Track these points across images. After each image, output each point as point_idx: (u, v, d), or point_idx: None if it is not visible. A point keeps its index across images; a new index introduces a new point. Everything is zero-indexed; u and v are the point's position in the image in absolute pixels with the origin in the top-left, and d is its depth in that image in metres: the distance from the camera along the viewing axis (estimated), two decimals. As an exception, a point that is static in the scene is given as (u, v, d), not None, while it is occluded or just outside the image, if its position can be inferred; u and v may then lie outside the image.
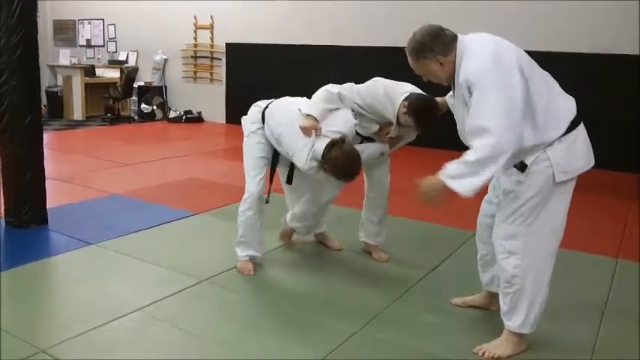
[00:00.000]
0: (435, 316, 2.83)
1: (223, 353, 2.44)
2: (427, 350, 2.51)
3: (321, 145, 2.86)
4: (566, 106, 2.30)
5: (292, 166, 3.25)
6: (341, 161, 2.82)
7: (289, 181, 3.34)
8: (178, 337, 2.56)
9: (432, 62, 2.30)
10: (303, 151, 2.89)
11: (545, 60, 2.49)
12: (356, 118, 3.10)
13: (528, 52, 2.32)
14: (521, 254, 2.32)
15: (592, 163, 2.32)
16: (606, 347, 2.59)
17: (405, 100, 3.01)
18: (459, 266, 3.43)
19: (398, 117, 3.03)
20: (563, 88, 2.36)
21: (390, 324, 2.74)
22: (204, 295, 3.00)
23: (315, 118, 2.92)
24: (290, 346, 2.51)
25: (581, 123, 2.32)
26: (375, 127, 3.18)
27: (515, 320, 2.41)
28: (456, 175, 2.15)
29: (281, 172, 3.44)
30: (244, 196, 3.24)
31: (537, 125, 2.21)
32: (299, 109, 3.00)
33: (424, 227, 4.20)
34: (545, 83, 2.30)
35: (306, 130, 2.88)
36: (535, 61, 2.33)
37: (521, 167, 2.26)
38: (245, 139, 3.29)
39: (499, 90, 2.12)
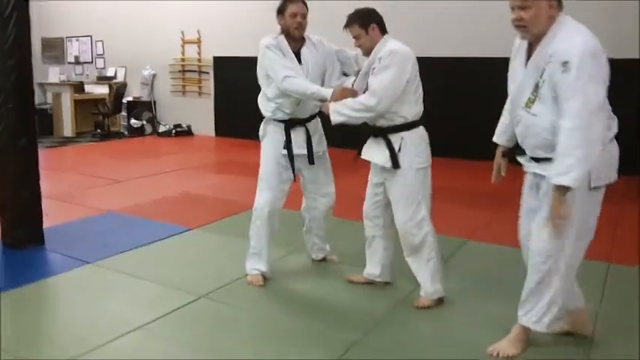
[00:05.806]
0: (431, 325, 2.90)
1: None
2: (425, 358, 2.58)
3: None
4: None
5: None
6: None
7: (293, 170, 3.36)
8: (181, 353, 2.60)
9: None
10: None
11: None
12: None
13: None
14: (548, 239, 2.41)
15: None
16: (601, 351, 2.64)
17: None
18: (448, 278, 3.43)
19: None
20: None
21: (389, 333, 2.79)
22: (204, 311, 3.04)
23: None
24: (293, 358, 2.56)
25: None
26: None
27: (532, 316, 2.48)
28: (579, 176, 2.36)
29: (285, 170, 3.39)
30: (257, 205, 3.32)
31: None
32: None
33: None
34: None
35: None
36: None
37: None
38: (262, 142, 3.41)
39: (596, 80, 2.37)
